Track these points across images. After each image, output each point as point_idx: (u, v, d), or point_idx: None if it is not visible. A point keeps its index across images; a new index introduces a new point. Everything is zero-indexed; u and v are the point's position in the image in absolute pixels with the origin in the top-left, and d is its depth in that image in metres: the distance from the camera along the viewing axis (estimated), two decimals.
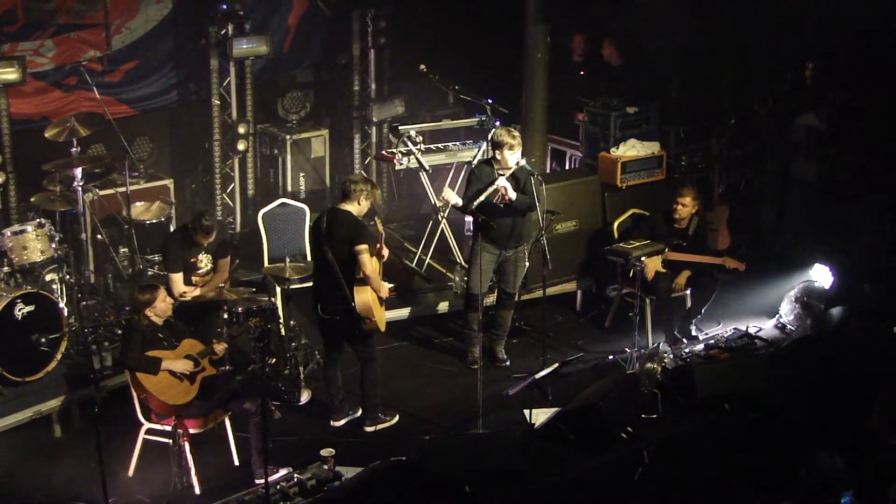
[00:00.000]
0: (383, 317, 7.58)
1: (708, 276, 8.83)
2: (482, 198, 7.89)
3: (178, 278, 7.73)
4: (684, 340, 8.76)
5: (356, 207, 7.38)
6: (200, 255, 7.86)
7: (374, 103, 11.19)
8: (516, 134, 8.00)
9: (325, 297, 7.39)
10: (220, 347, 7.15)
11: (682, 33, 10.63)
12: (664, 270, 8.70)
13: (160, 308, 6.96)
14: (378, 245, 7.50)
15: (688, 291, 8.87)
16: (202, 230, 7.73)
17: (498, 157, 7.97)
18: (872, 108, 9.54)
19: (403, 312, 8.99)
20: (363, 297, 7.28)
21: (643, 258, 8.35)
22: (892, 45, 9.39)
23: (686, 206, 8.68)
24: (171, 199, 9.55)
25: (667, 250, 8.66)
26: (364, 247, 7.21)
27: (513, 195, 7.90)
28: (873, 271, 9.23)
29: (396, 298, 8.19)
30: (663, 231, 8.76)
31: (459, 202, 8.12)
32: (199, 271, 7.88)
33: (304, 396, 7.98)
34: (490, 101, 9.70)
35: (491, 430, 7.32)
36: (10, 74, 8.73)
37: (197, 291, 7.78)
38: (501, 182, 7.88)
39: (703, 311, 8.86)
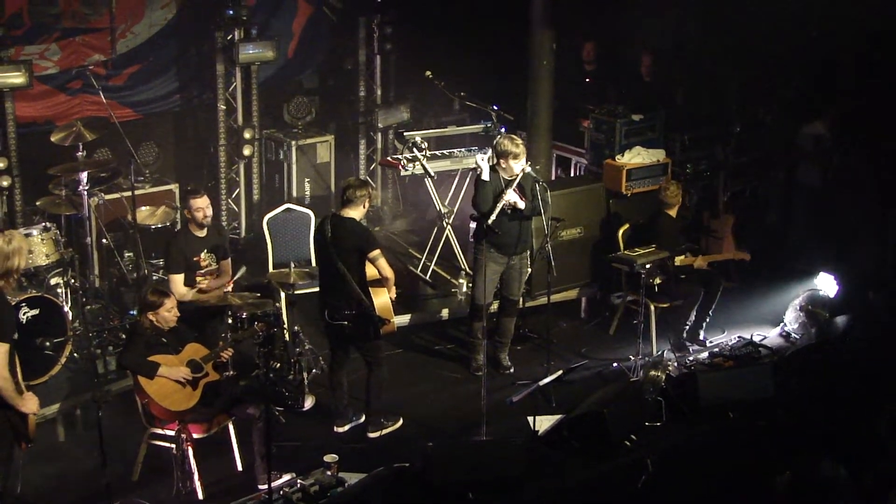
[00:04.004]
0: None
1: (712, 276, 8.84)
2: (494, 215, 7.84)
3: (178, 279, 7.70)
4: (692, 347, 8.75)
5: (360, 212, 7.38)
6: (203, 255, 7.84)
7: (380, 109, 11.20)
8: (519, 142, 7.97)
9: (333, 302, 7.38)
10: (224, 353, 7.14)
11: (688, 41, 10.64)
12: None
13: (162, 316, 6.92)
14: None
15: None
16: (191, 194, 7.78)
17: (503, 165, 7.96)
18: (878, 116, 9.54)
19: (407, 319, 8.98)
20: (383, 300, 7.35)
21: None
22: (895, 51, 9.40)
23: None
24: (176, 203, 9.55)
25: (701, 256, 8.86)
26: (378, 252, 7.25)
27: (522, 204, 7.90)
28: (878, 280, 9.22)
29: (400, 305, 8.19)
30: (671, 232, 8.73)
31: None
32: (202, 270, 7.87)
33: (308, 402, 7.97)
34: (496, 107, 9.70)
35: (495, 437, 7.31)
36: (17, 78, 8.75)
37: (197, 290, 7.78)
38: (510, 197, 7.86)
39: (710, 312, 8.84)
